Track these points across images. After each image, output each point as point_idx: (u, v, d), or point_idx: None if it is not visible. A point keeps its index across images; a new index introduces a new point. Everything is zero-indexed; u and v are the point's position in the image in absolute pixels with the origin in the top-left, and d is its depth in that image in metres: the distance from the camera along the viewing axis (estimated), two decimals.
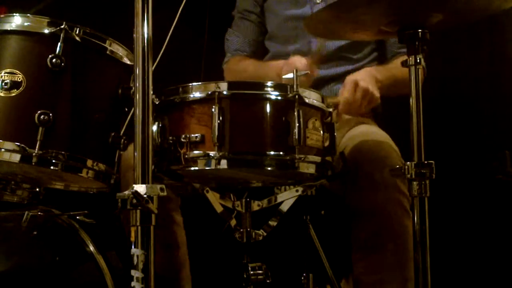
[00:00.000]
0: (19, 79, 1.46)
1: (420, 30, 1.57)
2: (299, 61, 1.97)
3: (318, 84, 2.13)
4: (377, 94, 1.89)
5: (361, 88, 1.86)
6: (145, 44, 1.32)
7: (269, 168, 1.50)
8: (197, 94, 1.53)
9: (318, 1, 2.20)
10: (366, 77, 1.92)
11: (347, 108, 1.86)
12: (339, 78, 2.16)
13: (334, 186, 1.92)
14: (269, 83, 1.55)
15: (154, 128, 1.53)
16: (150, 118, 1.31)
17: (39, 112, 1.44)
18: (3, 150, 1.43)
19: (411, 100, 1.57)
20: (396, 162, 1.77)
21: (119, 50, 1.58)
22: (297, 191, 1.68)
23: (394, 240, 1.76)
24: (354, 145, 1.82)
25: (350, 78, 1.91)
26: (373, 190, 1.76)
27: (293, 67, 1.94)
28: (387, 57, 2.23)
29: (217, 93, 1.49)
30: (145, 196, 1.27)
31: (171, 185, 1.91)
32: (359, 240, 1.80)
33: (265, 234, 1.68)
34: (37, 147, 1.43)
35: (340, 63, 2.19)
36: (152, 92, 1.33)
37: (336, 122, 1.62)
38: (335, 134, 1.62)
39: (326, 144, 1.59)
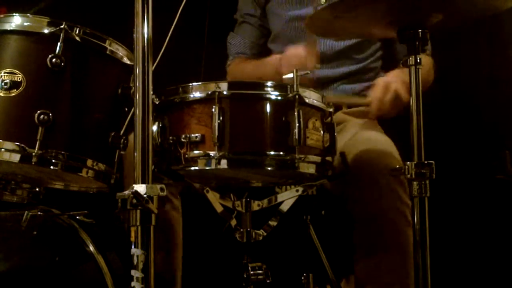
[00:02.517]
0: (19, 79, 1.46)
1: (420, 30, 1.57)
2: (295, 51, 1.96)
3: (322, 84, 2.14)
4: (406, 97, 1.87)
5: (392, 90, 1.87)
6: (145, 44, 1.32)
7: (269, 168, 1.50)
8: (197, 94, 1.53)
9: (322, 2, 2.20)
10: (397, 80, 1.92)
11: (377, 109, 1.88)
12: (344, 77, 2.17)
13: (334, 189, 1.92)
14: (269, 83, 1.55)
15: (154, 128, 1.53)
16: (150, 118, 1.31)
17: (39, 112, 1.44)
18: (3, 150, 1.43)
19: (411, 100, 1.56)
20: None
21: (119, 50, 1.58)
22: (297, 191, 1.68)
23: (395, 248, 1.77)
24: (356, 153, 1.82)
25: (382, 79, 1.93)
26: (375, 199, 1.76)
27: (290, 58, 1.96)
28: (398, 57, 2.23)
29: (217, 93, 1.49)
30: (145, 196, 1.27)
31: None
32: (360, 247, 1.80)
33: (265, 234, 1.68)
34: (37, 147, 1.43)
35: (344, 62, 2.19)
36: (152, 92, 1.33)
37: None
38: (336, 135, 1.62)
39: (326, 144, 1.59)
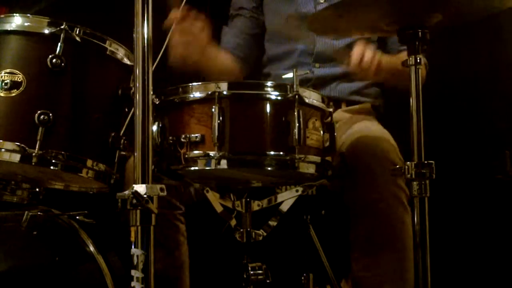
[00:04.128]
0: (19, 79, 1.46)
1: (420, 30, 1.57)
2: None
3: (320, 83, 2.13)
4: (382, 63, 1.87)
5: (370, 51, 1.85)
6: (145, 44, 1.32)
7: (269, 168, 1.50)
8: (197, 94, 1.53)
9: (322, 1, 2.20)
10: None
11: (358, 66, 1.85)
12: (342, 76, 2.16)
13: (333, 183, 1.91)
14: (269, 83, 1.55)
15: (154, 128, 1.53)
16: (150, 118, 1.31)
17: (39, 112, 1.44)
18: (3, 150, 1.43)
19: (411, 100, 1.57)
20: (393, 156, 1.77)
21: (119, 50, 1.58)
22: (297, 191, 1.68)
23: (393, 238, 1.75)
24: (352, 141, 1.82)
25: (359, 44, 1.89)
26: (371, 185, 1.75)
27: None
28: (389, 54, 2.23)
29: (217, 93, 1.49)
30: (145, 196, 1.27)
31: (176, 194, 1.92)
32: (357, 238, 1.79)
33: (265, 234, 1.68)
34: (37, 147, 1.43)
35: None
36: (152, 92, 1.33)
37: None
38: (335, 133, 1.62)
39: (326, 144, 1.59)
